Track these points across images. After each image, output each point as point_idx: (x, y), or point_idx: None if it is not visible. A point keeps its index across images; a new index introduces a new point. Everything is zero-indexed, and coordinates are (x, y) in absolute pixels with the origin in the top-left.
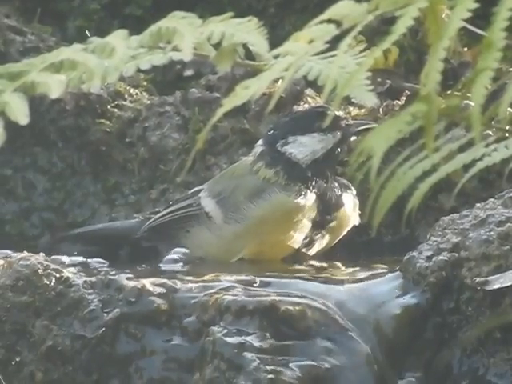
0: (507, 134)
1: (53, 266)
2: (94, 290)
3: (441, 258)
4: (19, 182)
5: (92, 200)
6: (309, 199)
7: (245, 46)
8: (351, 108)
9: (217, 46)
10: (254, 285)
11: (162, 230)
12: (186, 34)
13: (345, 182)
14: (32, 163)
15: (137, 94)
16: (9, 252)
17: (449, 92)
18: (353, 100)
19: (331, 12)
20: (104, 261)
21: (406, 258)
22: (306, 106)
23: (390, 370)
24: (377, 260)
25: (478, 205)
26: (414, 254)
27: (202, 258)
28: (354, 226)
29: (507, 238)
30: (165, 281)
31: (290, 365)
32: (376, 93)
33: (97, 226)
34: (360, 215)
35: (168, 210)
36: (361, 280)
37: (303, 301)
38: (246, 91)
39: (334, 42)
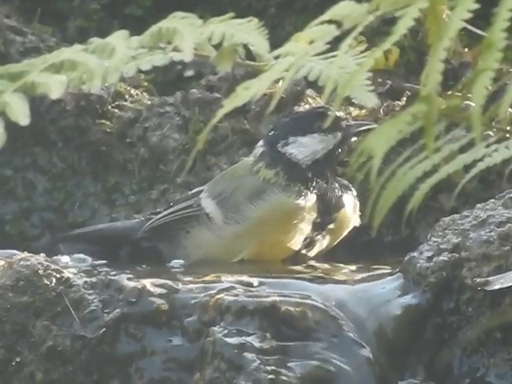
0: (508, 135)
1: (53, 266)
2: (94, 291)
3: (441, 258)
4: (19, 182)
5: (92, 200)
6: (309, 200)
7: (245, 46)
8: (352, 108)
9: (217, 46)
10: (255, 285)
11: (163, 231)
12: (187, 35)
13: (345, 182)
14: (32, 163)
15: (137, 94)
16: (15, 251)
17: (449, 92)
18: (353, 100)
19: (332, 12)
20: (105, 261)
21: (406, 258)
22: (307, 106)
23: (390, 370)
24: (377, 260)
25: (478, 205)
26: (415, 254)
27: (202, 258)
28: (355, 227)
29: (507, 239)
30: (165, 281)
31: (291, 365)
32: (376, 93)
33: (97, 226)
34: (360, 216)
35: (168, 210)
36: (361, 280)
37: (304, 301)
38: (247, 92)
39: (335, 43)
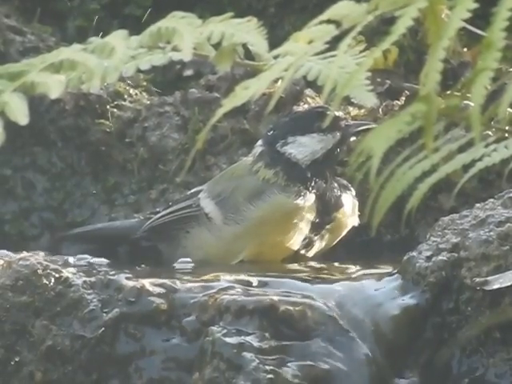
0: (507, 135)
1: (52, 265)
2: (93, 290)
3: (440, 258)
4: (19, 182)
5: (92, 200)
6: (308, 200)
7: (244, 46)
8: (351, 108)
9: (216, 46)
10: (254, 285)
11: (162, 231)
12: (186, 34)
13: (344, 182)
14: (32, 163)
15: (136, 94)
16: (6, 252)
17: (448, 92)
18: (352, 100)
19: (331, 12)
20: (106, 260)
21: (405, 258)
22: (306, 106)
23: (389, 370)
24: (376, 260)
25: (477, 205)
26: (414, 254)
27: (202, 258)
28: (354, 227)
29: (507, 239)
30: (164, 281)
31: (290, 365)
32: (376, 93)
33: (96, 225)
34: (359, 215)
35: (168, 210)
36: (360, 280)
37: (303, 301)
38: (246, 91)
39: (334, 43)
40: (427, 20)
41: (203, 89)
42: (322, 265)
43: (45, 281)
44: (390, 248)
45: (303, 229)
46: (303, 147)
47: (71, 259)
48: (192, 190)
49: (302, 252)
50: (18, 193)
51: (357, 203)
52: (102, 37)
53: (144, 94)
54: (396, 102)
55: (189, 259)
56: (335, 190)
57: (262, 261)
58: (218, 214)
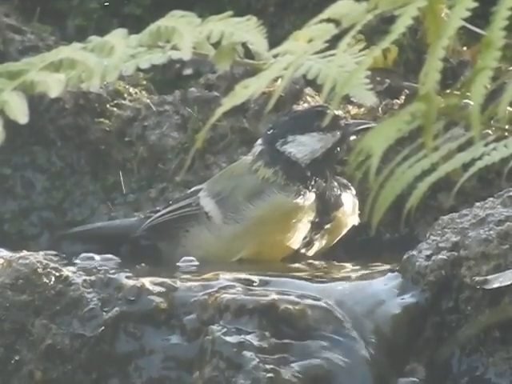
0: (506, 133)
1: (52, 264)
2: (93, 289)
3: (440, 257)
4: (18, 181)
5: (91, 199)
6: (308, 199)
7: (244, 45)
8: (350, 107)
9: (216, 44)
10: (254, 284)
11: (162, 229)
12: (185, 33)
13: (344, 181)
14: (31, 162)
15: (136, 93)
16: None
17: (448, 91)
18: (352, 99)
19: (330, 11)
20: (115, 257)
21: (405, 257)
22: (306, 105)
23: (389, 369)
24: (376, 259)
25: (477, 204)
26: (414, 253)
27: (201, 257)
28: (354, 226)
29: (506, 237)
30: (164, 280)
31: (290, 364)
32: (375, 92)
33: (96, 224)
34: (359, 214)
35: (167, 209)
36: (360, 279)
37: (303, 300)
38: (246, 90)
39: (334, 41)
40: (427, 19)
41: (203, 88)
42: (322, 264)
43: (45, 279)
44: (390, 247)
45: (303, 228)
46: (303, 146)
47: (78, 258)
48: (192, 189)
49: (302, 251)
50: (17, 192)
51: (357, 202)
52: (102, 36)
53: (144, 92)
54: (395, 101)
55: (192, 258)
56: (335, 189)
57: (262, 260)
58: (217, 213)
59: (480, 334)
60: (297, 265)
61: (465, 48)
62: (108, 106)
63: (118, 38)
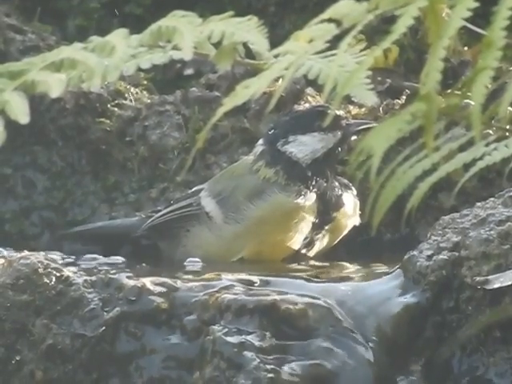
0: (507, 133)
1: (53, 264)
2: (94, 289)
3: (441, 257)
4: (19, 181)
5: (92, 199)
6: (309, 199)
7: (245, 44)
8: (351, 107)
9: (217, 44)
10: (255, 284)
11: (163, 229)
12: (186, 33)
13: (345, 181)
14: (32, 162)
15: (137, 92)
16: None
17: (449, 91)
18: (353, 99)
19: (331, 11)
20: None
21: (406, 257)
22: (307, 105)
23: (389, 369)
24: (377, 259)
25: (478, 204)
26: (414, 253)
27: (202, 257)
28: (354, 226)
29: (507, 237)
30: (165, 280)
31: (290, 364)
32: (376, 92)
33: (97, 224)
34: (360, 214)
35: (168, 209)
36: (361, 279)
37: (303, 300)
38: (247, 90)
39: (335, 41)
40: (427, 19)
41: (204, 88)
42: (323, 264)
43: (45, 280)
44: (391, 247)
45: (304, 228)
46: (304, 146)
47: (82, 259)
48: (193, 189)
49: (303, 251)
50: (18, 192)
51: (358, 202)
52: (103, 36)
53: (144, 92)
54: (396, 100)
55: (197, 259)
56: (336, 190)
57: (262, 260)
58: (218, 213)
59: (481, 333)
60: (297, 265)
61: (466, 48)
62: (109, 105)
63: (118, 37)
